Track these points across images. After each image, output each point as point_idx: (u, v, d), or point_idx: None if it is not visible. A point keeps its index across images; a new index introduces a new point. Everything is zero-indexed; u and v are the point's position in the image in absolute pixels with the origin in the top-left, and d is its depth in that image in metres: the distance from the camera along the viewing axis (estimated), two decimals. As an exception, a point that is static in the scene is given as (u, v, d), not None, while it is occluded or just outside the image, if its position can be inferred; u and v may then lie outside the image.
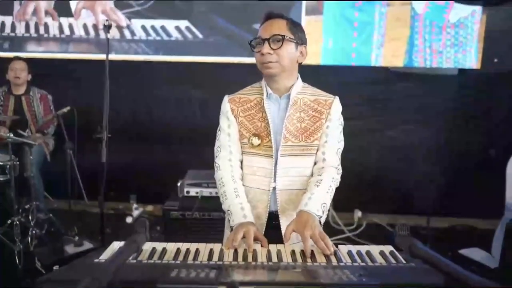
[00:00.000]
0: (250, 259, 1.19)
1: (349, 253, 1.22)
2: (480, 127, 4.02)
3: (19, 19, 3.99)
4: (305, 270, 1.05)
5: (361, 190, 4.08)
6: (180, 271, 0.99)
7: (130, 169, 4.16)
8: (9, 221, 3.03)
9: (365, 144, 4.17)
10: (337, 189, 1.56)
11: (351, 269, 1.03)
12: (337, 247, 1.27)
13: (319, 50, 4.13)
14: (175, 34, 4.07)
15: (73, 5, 3.99)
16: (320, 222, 1.42)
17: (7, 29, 4.09)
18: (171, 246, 1.25)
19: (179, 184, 2.80)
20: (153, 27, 4.01)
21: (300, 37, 1.53)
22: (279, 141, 1.53)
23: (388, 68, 4.13)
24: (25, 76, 3.68)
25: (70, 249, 3.04)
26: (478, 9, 4.02)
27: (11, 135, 3.01)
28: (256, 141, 1.53)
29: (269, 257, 1.20)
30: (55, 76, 4.06)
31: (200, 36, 4.12)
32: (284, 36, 1.47)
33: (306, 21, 4.10)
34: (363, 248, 1.24)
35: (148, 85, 4.19)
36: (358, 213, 4.01)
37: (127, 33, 3.97)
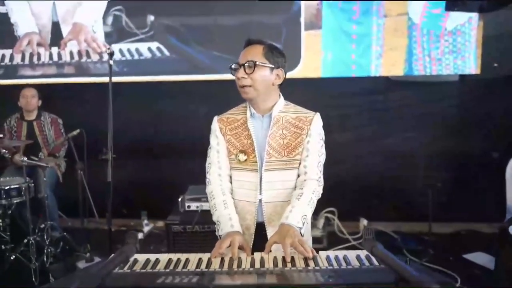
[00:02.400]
0: (235, 266, 1.29)
1: (327, 258, 1.31)
2: (481, 132, 4.05)
3: (17, 51, 4.45)
4: (281, 274, 1.15)
5: (365, 199, 4.14)
6: (167, 278, 1.10)
7: (141, 186, 4.29)
8: (25, 240, 3.18)
9: (369, 153, 4.23)
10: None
11: (323, 271, 1.12)
12: (317, 253, 1.36)
13: (319, 63, 4.23)
14: (157, 54, 4.35)
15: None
16: (301, 233, 1.51)
17: (6, 60, 4.49)
18: (164, 257, 1.36)
19: (180, 199, 2.92)
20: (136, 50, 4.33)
21: (276, 61, 1.65)
22: (263, 156, 1.65)
23: (388, 78, 4.20)
24: (36, 102, 3.86)
25: (81, 265, 3.17)
26: (474, 15, 4.07)
27: (25, 159, 3.18)
28: (242, 157, 1.66)
29: (252, 264, 1.30)
30: (64, 100, 4.28)
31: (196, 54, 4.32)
32: (256, 62, 1.60)
33: (305, 35, 4.22)
34: (341, 253, 1.33)
35: (152, 104, 4.34)
36: (363, 222, 4.05)
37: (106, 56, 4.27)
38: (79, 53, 4.34)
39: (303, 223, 1.53)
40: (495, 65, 4.12)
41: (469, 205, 3.83)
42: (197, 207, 2.80)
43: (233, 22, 4.19)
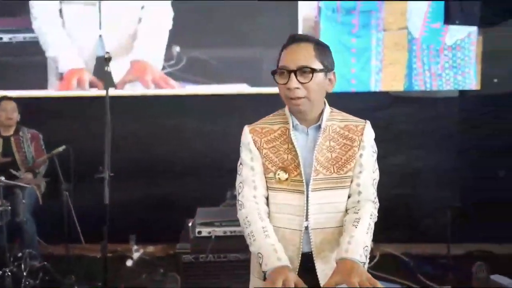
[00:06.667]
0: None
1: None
2: (486, 148, 3.94)
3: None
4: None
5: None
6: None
7: (128, 208, 3.95)
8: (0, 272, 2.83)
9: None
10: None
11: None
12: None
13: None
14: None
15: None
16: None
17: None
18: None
19: (190, 224, 2.59)
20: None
21: (329, 63, 1.37)
22: (309, 174, 1.37)
23: (389, 93, 4.10)
24: (16, 116, 3.53)
25: (67, 299, 2.83)
26: (473, 31, 4.06)
27: (3, 178, 2.84)
28: (283, 175, 1.38)
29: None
30: (46, 115, 3.95)
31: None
32: (315, 69, 1.31)
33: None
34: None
35: (148, 119, 4.05)
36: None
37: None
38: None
39: (366, 256, 1.27)
40: (495, 80, 4.12)
41: (480, 225, 3.67)
42: (209, 232, 2.45)
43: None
